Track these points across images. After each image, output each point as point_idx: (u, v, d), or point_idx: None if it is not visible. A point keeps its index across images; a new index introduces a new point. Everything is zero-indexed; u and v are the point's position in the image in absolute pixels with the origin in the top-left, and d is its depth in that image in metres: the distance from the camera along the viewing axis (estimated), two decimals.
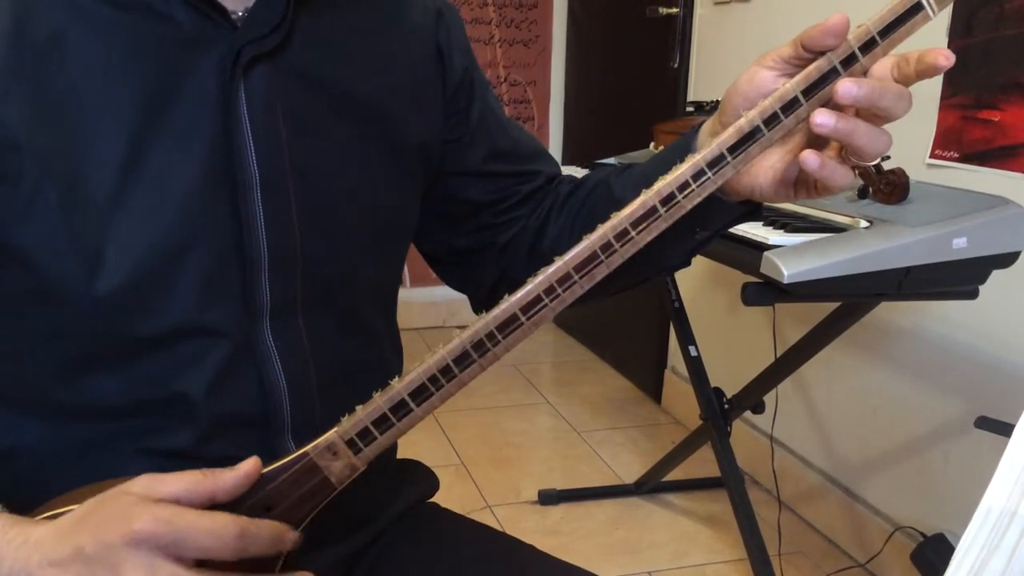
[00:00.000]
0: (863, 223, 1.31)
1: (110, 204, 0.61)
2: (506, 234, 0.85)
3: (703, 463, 2.20)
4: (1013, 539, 0.43)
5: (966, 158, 1.61)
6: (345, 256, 0.72)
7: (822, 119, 0.57)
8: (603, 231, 0.60)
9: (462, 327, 0.61)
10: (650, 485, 2.23)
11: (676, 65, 2.60)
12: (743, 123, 0.59)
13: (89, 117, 0.61)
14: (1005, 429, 1.24)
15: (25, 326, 0.65)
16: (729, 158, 0.60)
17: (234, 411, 0.68)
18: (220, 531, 0.55)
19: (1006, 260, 1.29)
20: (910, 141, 1.69)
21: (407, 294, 3.35)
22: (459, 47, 0.81)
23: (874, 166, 1.37)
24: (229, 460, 0.64)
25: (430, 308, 3.43)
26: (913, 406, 1.79)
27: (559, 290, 0.61)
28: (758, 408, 1.86)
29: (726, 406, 1.85)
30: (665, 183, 0.60)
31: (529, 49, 3.45)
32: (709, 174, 0.60)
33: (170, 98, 0.63)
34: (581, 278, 0.61)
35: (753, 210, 0.71)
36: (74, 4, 0.62)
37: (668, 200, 0.60)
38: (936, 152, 1.67)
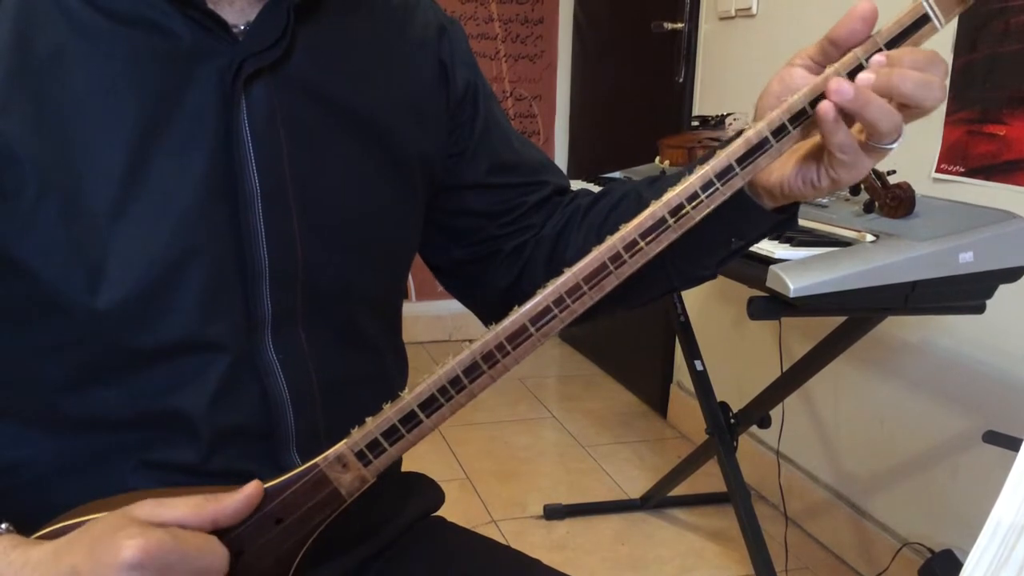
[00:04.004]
0: (869, 237, 1.31)
1: (111, 217, 0.62)
2: (512, 241, 0.84)
3: (709, 478, 2.19)
4: (1022, 554, 0.42)
5: (972, 172, 1.61)
6: (345, 268, 0.72)
7: (838, 86, 0.57)
8: (612, 242, 0.61)
9: (469, 340, 0.61)
10: (656, 500, 2.22)
11: (681, 80, 2.61)
12: (751, 135, 0.60)
13: (90, 130, 0.62)
14: (1013, 443, 1.24)
15: (28, 338, 0.66)
16: (737, 169, 0.60)
17: (237, 424, 0.68)
18: (211, 556, 0.57)
19: (1013, 275, 1.28)
20: (916, 155, 1.69)
21: (412, 308, 3.36)
22: (462, 61, 0.82)
23: (880, 180, 1.37)
24: (233, 474, 0.64)
25: (436, 322, 3.43)
26: (920, 421, 1.79)
27: (568, 301, 0.61)
28: (764, 423, 1.86)
29: (732, 421, 1.85)
30: (674, 194, 0.60)
31: (535, 64, 3.46)
32: (718, 185, 0.60)
33: (171, 111, 0.63)
34: (590, 289, 0.61)
35: (789, 218, 0.71)
36: (75, 19, 0.62)
37: (677, 211, 0.60)
38: (942, 166, 1.67)
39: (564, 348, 3.53)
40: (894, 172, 1.40)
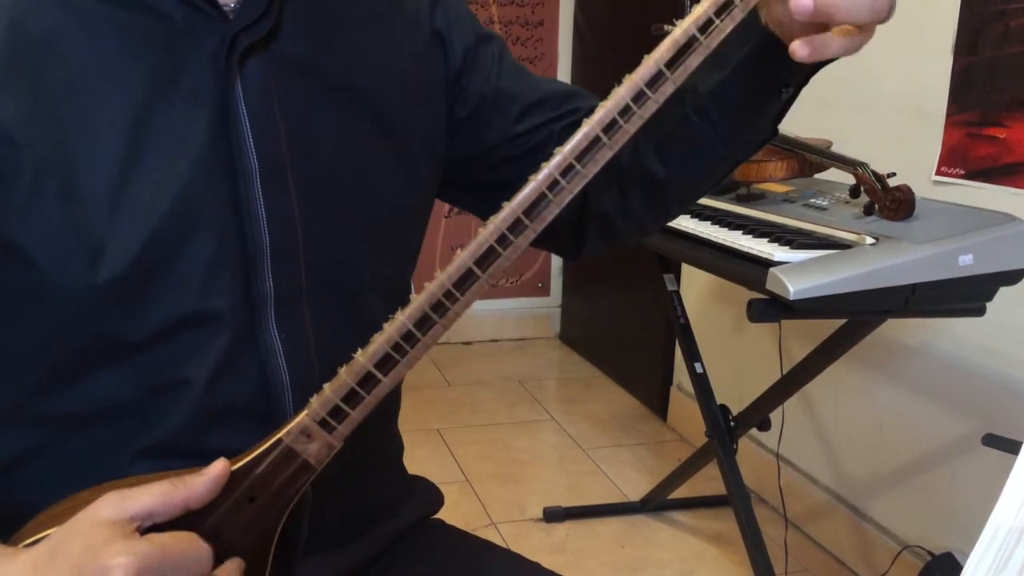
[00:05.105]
0: (869, 240, 1.31)
1: (109, 197, 0.62)
2: None
3: (709, 481, 2.19)
4: (1021, 557, 0.42)
5: (972, 175, 1.61)
6: (346, 246, 0.72)
7: (800, 5, 0.56)
8: (548, 170, 0.59)
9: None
10: (656, 503, 2.22)
11: None
12: (678, 34, 0.57)
13: (86, 112, 0.62)
14: (1013, 447, 1.24)
15: (26, 330, 0.65)
16: (668, 73, 0.57)
17: (235, 402, 0.68)
18: (195, 555, 0.56)
19: (1013, 277, 1.28)
20: (916, 158, 1.69)
21: None
22: (458, 26, 0.81)
23: (880, 183, 1.37)
24: (229, 453, 0.63)
25: None
26: (920, 423, 1.78)
27: (511, 237, 0.59)
28: (764, 425, 1.86)
29: (732, 423, 1.84)
30: (605, 111, 0.58)
31: (535, 67, 3.46)
32: (649, 94, 0.58)
33: (167, 92, 0.64)
34: (532, 221, 0.59)
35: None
36: (68, 2, 0.63)
37: (610, 127, 0.58)
38: (942, 169, 1.66)
39: (564, 350, 3.53)
40: (894, 174, 1.40)
